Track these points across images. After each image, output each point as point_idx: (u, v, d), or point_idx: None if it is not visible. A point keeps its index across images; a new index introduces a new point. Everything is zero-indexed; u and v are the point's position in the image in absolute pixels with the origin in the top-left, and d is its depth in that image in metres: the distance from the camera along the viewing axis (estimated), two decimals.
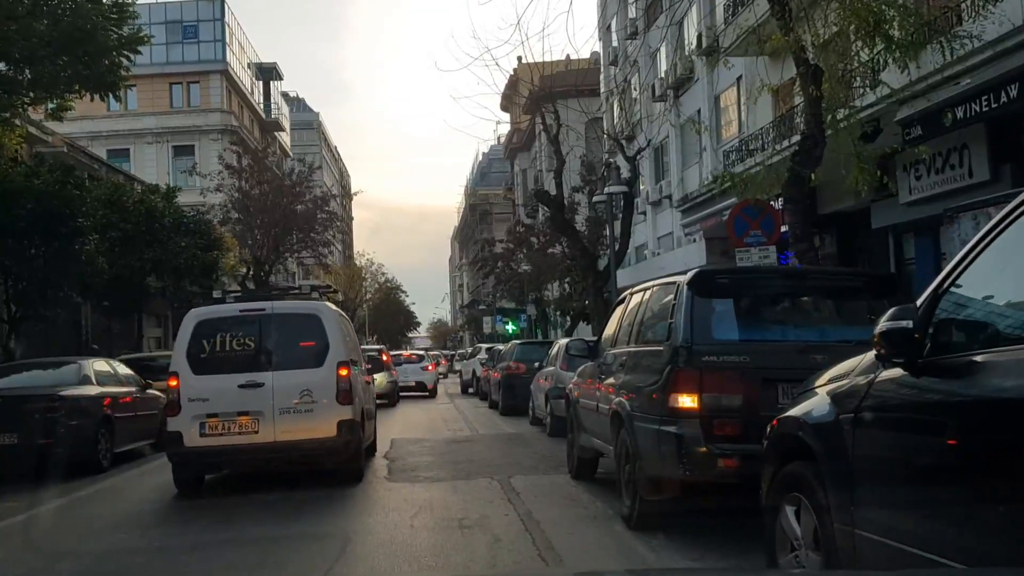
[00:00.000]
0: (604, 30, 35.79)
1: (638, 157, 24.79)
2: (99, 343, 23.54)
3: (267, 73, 57.61)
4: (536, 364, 17.98)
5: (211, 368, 9.61)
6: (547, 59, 36.30)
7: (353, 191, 74.83)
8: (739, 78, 22.15)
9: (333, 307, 11.05)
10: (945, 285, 3.31)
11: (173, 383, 9.62)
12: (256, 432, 9.38)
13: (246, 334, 9.79)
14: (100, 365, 13.81)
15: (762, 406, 5.94)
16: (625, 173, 23.22)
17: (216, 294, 10.23)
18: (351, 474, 10.00)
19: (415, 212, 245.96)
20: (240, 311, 10.21)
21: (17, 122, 16.43)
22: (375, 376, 16.27)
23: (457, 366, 43.26)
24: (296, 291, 12.95)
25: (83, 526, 8.53)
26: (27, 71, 14.77)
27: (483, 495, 8.96)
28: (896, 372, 3.41)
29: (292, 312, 10.23)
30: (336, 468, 9.85)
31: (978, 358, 3.05)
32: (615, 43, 35.27)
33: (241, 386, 9.43)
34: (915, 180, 14.61)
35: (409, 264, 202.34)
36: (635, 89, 31.67)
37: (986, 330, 3.20)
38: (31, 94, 15.42)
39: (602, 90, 37.14)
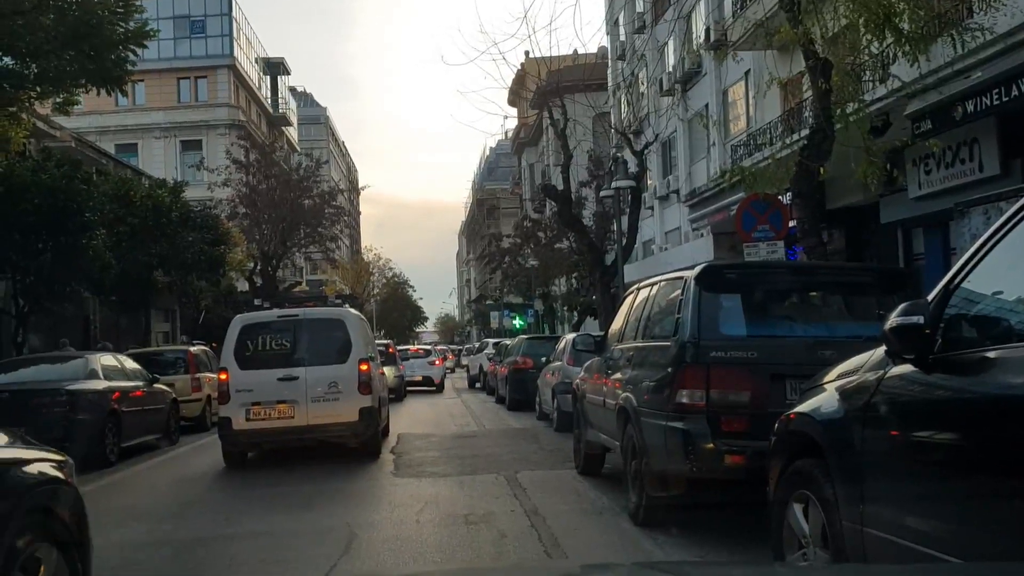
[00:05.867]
0: (612, 24, 35.67)
1: (646, 152, 24.69)
2: (107, 338, 23.59)
3: (274, 68, 57.63)
4: (543, 359, 17.95)
5: (254, 364, 11.30)
6: (554, 54, 36.22)
7: (360, 186, 74.79)
8: (747, 72, 22.03)
9: (355, 312, 13.12)
10: (956, 281, 3.26)
11: (223, 377, 11.35)
12: (292, 417, 11.07)
13: (283, 336, 11.56)
14: (107, 360, 13.83)
15: (770, 402, 5.90)
16: (633, 168, 23.11)
17: (257, 302, 12.02)
18: (370, 451, 11.65)
19: (421, 207, 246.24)
20: (278, 316, 12.13)
21: (24, 116, 16.41)
22: (383, 369, 16.69)
23: (464, 361, 43.29)
24: (327, 299, 15.82)
25: (89, 520, 8.51)
26: (33, 65, 14.76)
27: (489, 490, 8.94)
28: (906, 368, 3.36)
29: (321, 317, 12.03)
30: (357, 446, 11.53)
31: (990, 354, 3.01)
32: (623, 37, 35.14)
33: (279, 379, 11.12)
34: (924, 175, 14.51)
35: (416, 259, 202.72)
36: (643, 83, 31.56)
37: (998, 326, 3.15)
38: (37, 88, 15.41)
39: (610, 84, 37.01)
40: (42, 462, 4.28)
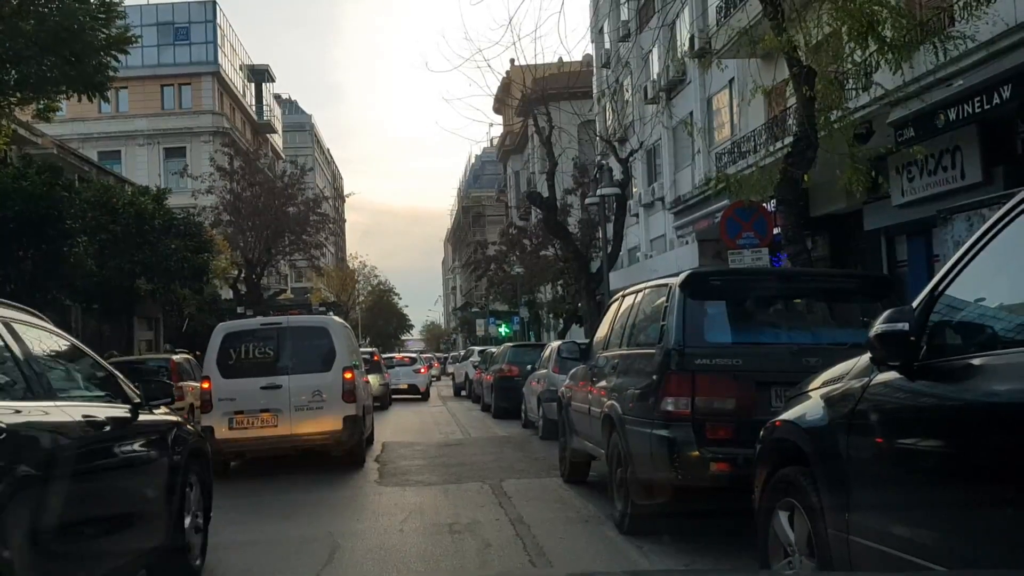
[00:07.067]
0: (596, 32, 35.75)
1: (631, 159, 24.75)
2: (91, 347, 23.34)
3: (259, 75, 57.50)
4: (529, 367, 17.92)
5: (237, 373, 11.22)
6: (539, 61, 36.22)
7: (346, 193, 74.55)
8: (731, 80, 22.13)
9: (339, 320, 13.16)
10: (941, 287, 3.25)
11: (206, 385, 11.30)
12: (276, 426, 11.01)
13: (266, 344, 11.52)
14: None
15: (755, 409, 5.89)
16: (618, 175, 23.15)
17: (240, 310, 12.00)
18: (354, 460, 11.55)
19: (407, 214, 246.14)
20: (261, 324, 12.32)
21: (4, 123, 16.27)
22: (368, 377, 16.61)
23: (450, 368, 43.17)
24: (311, 307, 15.99)
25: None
26: (13, 71, 14.63)
27: (474, 499, 8.89)
28: (891, 375, 3.34)
29: (304, 325, 12.06)
30: (341, 455, 11.42)
31: (975, 361, 2.99)
32: (607, 45, 35.24)
33: (263, 388, 11.05)
34: (907, 182, 14.58)
35: (402, 266, 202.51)
36: (627, 91, 31.66)
37: (983, 333, 3.14)
38: (17, 94, 15.27)
39: (594, 92, 37.10)
40: (187, 424, 6.29)
